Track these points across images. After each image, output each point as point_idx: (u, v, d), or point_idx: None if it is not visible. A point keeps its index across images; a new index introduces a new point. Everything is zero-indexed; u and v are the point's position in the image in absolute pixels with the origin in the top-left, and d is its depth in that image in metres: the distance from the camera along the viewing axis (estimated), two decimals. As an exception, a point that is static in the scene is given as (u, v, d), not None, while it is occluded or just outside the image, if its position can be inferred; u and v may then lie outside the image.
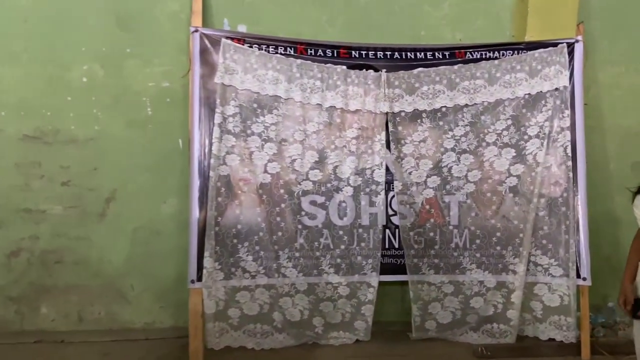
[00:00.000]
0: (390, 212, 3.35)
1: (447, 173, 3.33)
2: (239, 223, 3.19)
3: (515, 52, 3.33)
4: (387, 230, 3.36)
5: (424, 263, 3.33)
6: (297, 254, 3.25)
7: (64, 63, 3.35)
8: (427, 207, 3.35)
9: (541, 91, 3.26)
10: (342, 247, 3.28)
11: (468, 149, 3.33)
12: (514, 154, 3.30)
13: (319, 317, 3.28)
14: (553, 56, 3.27)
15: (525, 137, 3.29)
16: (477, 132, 3.33)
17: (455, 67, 3.30)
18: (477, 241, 3.33)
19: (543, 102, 3.26)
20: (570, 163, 3.25)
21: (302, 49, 3.29)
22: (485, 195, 3.34)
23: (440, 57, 3.35)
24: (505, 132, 3.31)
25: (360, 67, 3.29)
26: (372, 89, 3.29)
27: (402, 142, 3.33)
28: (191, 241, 3.10)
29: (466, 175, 3.33)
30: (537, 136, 3.25)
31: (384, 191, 3.30)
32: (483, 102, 3.31)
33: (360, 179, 3.30)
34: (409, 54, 3.32)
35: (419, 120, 3.33)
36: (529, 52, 3.30)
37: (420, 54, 3.33)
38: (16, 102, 3.35)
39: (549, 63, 3.26)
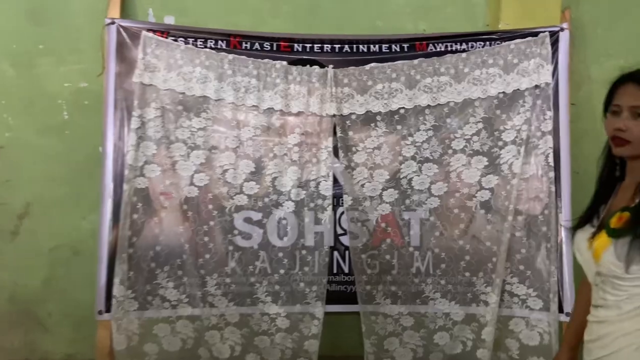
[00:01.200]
0: (340, 230, 2.84)
1: (407, 185, 2.82)
2: (157, 244, 2.72)
3: (488, 43, 2.79)
4: (336, 253, 2.86)
5: (378, 291, 2.81)
6: (227, 280, 2.76)
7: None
8: (383, 225, 2.84)
9: (518, 89, 2.71)
10: (282, 271, 2.78)
11: (431, 157, 2.82)
12: (486, 163, 2.77)
13: (253, 354, 2.76)
14: (533, 47, 2.71)
15: (500, 143, 2.75)
16: (442, 137, 2.82)
17: (416, 61, 2.79)
18: (442, 266, 2.80)
19: (521, 101, 2.71)
20: (552, 174, 2.72)
21: (236, 42, 2.80)
22: (452, 212, 2.81)
23: (398, 50, 2.84)
24: (475, 138, 2.79)
25: (304, 63, 2.82)
26: (317, 88, 2.79)
27: (353, 149, 2.84)
28: (100, 266, 2.65)
29: (429, 188, 2.82)
30: (513, 142, 2.70)
31: (331, 207, 2.79)
32: (449, 102, 2.79)
33: (304, 192, 2.81)
34: (360, 46, 2.83)
35: (372, 124, 2.83)
36: (503, 44, 2.75)
37: (374, 46, 2.83)
38: None
39: (527, 56, 2.72)
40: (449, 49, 2.79)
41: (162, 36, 2.76)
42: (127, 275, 2.65)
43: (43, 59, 2.95)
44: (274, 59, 2.78)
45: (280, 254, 2.78)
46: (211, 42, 2.78)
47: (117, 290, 2.62)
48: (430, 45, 2.80)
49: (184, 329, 2.72)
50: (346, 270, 2.83)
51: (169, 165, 2.74)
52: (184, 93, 2.75)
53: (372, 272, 2.80)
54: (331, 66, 2.78)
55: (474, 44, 2.79)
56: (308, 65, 2.78)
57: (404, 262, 2.81)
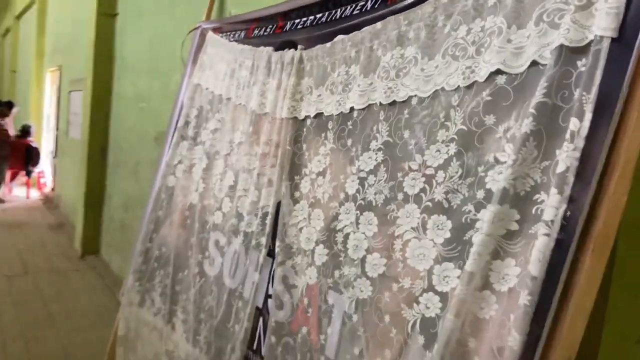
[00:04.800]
0: (271, 289, 1.84)
1: (341, 246, 1.53)
2: (163, 245, 2.56)
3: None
4: (261, 319, 1.87)
5: None
6: (189, 307, 2.29)
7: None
8: (306, 301, 1.65)
9: (538, 62, 1.02)
10: (215, 322, 2.06)
11: (373, 203, 1.42)
12: (448, 235, 1.17)
13: None
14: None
15: (480, 192, 1.11)
16: (394, 166, 1.37)
17: (379, 24, 1.47)
18: None
19: (545, 87, 0.99)
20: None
21: (282, 25, 2.25)
22: (382, 320, 1.34)
23: (368, 8, 1.56)
24: (440, 175, 1.22)
25: (289, 46, 1.98)
26: (284, 79, 1.91)
27: (302, 172, 1.77)
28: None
29: (363, 260, 1.43)
30: (515, 195, 1.02)
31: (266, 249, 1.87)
32: (410, 97, 1.34)
33: (256, 222, 1.98)
34: (334, 11, 1.72)
35: (323, 135, 1.68)
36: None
37: (343, 9, 1.66)
38: None
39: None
40: (436, -7, 1.32)
41: (216, 33, 2.58)
42: (139, 268, 2.65)
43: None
44: (272, 44, 2.09)
45: (225, 297, 2.08)
46: (261, 29, 2.33)
47: (129, 279, 2.66)
48: (412, -8, 1.40)
49: (155, 342, 2.47)
50: (263, 350, 1.82)
51: (188, 167, 2.54)
52: (212, 92, 2.48)
53: (281, 372, 1.69)
54: (300, 47, 1.85)
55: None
56: (287, 49, 1.95)
57: (308, 374, 1.56)
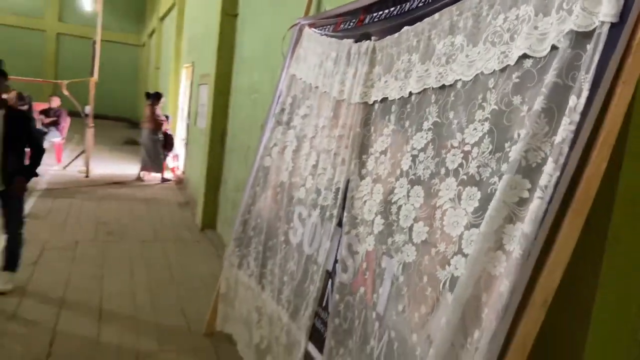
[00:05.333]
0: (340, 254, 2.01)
1: (395, 216, 1.67)
2: (259, 217, 2.86)
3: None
4: (330, 281, 2.05)
5: (339, 355, 1.85)
6: (275, 270, 2.55)
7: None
8: (364, 265, 1.80)
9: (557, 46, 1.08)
10: (295, 283, 2.30)
11: (422, 177, 1.54)
12: (476, 205, 1.26)
13: (270, 358, 2.47)
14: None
15: (510, 158, 1.18)
16: (439, 144, 1.48)
17: (436, 16, 1.57)
18: None
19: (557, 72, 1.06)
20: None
21: (363, 19, 2.42)
22: (422, 279, 1.46)
23: (430, 0, 1.66)
24: (475, 151, 1.31)
25: (367, 37, 2.13)
26: (359, 68, 2.07)
27: (368, 151, 1.92)
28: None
29: (410, 228, 1.56)
30: (528, 167, 1.11)
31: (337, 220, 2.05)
32: (456, 81, 1.43)
33: (331, 196, 2.17)
34: (404, 4, 1.83)
35: (387, 117, 1.82)
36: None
37: (411, 2, 1.77)
38: None
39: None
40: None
41: (311, 28, 2.81)
42: (239, 236, 2.99)
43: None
44: (355, 36, 2.27)
45: (303, 262, 2.32)
46: (347, 23, 2.52)
47: (230, 245, 3.01)
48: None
49: (249, 299, 2.78)
50: (330, 306, 2.01)
51: (282, 149, 2.81)
52: (305, 81, 2.73)
53: (341, 325, 1.88)
54: (374, 38, 2.00)
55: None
56: (364, 41, 2.11)
57: (364, 332, 1.73)
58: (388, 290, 1.66)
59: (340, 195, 2.09)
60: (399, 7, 1.91)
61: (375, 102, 1.95)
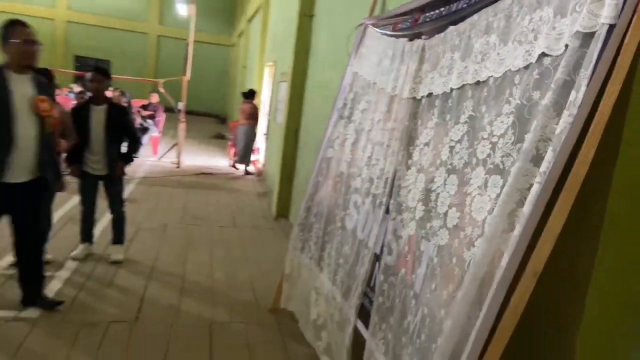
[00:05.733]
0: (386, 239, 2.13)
1: (434, 203, 1.77)
2: (320, 204, 3.05)
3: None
4: (377, 263, 2.18)
5: (381, 329, 1.98)
6: (332, 254, 2.72)
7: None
8: (406, 248, 1.92)
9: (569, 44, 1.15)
10: (347, 266, 2.45)
11: (457, 167, 1.63)
12: (498, 192, 1.35)
13: (325, 333, 2.64)
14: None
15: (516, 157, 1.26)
16: (473, 136, 1.56)
17: (475, 16, 1.65)
18: (422, 337, 1.63)
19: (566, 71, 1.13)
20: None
21: (417, 18, 2.53)
22: (451, 260, 1.55)
23: (473, 1, 1.72)
24: (501, 142, 1.39)
25: (419, 36, 2.22)
26: (410, 65, 2.17)
27: (414, 143, 2.03)
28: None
29: (446, 214, 1.66)
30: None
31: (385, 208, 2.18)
32: (489, 78, 1.52)
33: (382, 185, 2.30)
34: (452, 5, 1.91)
35: (431, 111, 1.91)
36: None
37: (457, 3, 1.84)
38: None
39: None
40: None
41: (374, 27, 2.94)
42: (302, 221, 3.20)
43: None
44: (409, 36, 2.38)
45: (356, 246, 2.47)
46: (405, 23, 2.64)
47: (294, 229, 3.23)
48: (507, -16, 1.55)
49: (309, 280, 2.98)
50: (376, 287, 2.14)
51: (342, 142, 2.97)
52: (365, 78, 2.87)
53: (384, 303, 2.01)
54: (424, 37, 2.10)
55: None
56: (416, 39, 2.21)
57: (403, 309, 1.85)
58: (424, 271, 1.78)
59: (389, 184, 2.23)
60: (447, 7, 2.01)
61: (422, 97, 2.06)
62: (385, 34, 2.71)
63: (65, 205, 5.22)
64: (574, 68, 1.13)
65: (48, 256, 3.68)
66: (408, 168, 2.08)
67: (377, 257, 2.26)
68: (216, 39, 21.81)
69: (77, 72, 15.60)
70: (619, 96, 0.99)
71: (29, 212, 2.89)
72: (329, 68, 4.69)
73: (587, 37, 1.12)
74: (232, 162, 9.61)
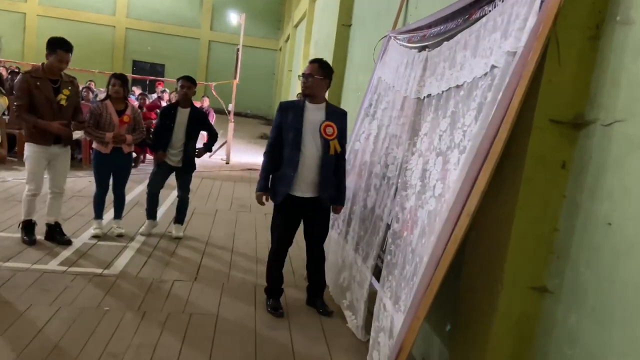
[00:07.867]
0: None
1: (427, 180, 2.26)
2: (348, 189, 3.55)
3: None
4: (388, 231, 2.68)
5: (388, 280, 2.47)
6: (356, 228, 3.23)
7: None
8: (409, 216, 2.41)
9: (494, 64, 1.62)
10: (366, 235, 2.96)
11: (443, 150, 2.12)
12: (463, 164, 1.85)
13: (349, 292, 3.17)
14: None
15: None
16: (453, 126, 2.04)
17: (459, 35, 2.13)
18: (414, 278, 2.12)
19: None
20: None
21: (426, 33, 3.02)
22: (435, 220, 2.04)
23: (460, 22, 2.20)
24: (469, 131, 1.87)
25: (425, 48, 2.71)
26: (417, 72, 2.66)
27: (418, 134, 2.52)
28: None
29: (434, 187, 2.14)
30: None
31: (395, 187, 2.69)
32: (464, 82, 1.99)
33: (394, 169, 2.80)
34: (448, 23, 2.39)
35: (430, 108, 2.40)
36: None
37: (452, 23, 2.32)
38: None
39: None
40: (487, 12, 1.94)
41: (395, 40, 3.44)
42: (333, 203, 3.73)
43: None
44: (419, 48, 2.87)
45: (373, 219, 2.98)
46: (415, 37, 3.14)
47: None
48: (480, 9, 2.03)
49: (337, 251, 3.50)
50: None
51: (367, 136, 3.48)
52: (386, 82, 3.37)
53: (391, 260, 2.51)
54: (428, 49, 2.59)
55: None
56: (422, 51, 2.70)
57: (404, 262, 2.35)
58: (419, 231, 2.28)
59: (398, 168, 2.74)
60: (445, 26, 2.50)
61: (424, 97, 2.56)
62: (403, 45, 3.21)
63: (132, 192, 5.97)
64: (502, 77, 1.62)
65: (121, 230, 4.39)
66: (412, 154, 2.58)
67: (388, 226, 2.77)
68: (264, 43, 22.66)
69: (135, 75, 16.79)
70: (526, 94, 1.47)
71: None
72: (361, 73, 5.21)
73: (511, 55, 1.60)
74: None
